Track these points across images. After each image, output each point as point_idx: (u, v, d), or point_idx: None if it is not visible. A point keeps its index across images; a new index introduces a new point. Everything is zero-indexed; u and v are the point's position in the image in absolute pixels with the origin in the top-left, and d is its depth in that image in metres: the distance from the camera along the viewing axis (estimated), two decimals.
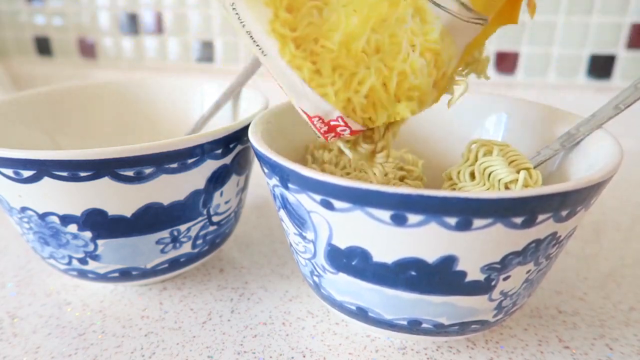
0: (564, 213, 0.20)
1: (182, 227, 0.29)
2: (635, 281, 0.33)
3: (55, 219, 0.26)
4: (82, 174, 0.24)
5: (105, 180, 0.25)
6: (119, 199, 0.26)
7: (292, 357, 0.26)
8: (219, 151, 0.28)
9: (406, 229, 0.20)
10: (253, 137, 0.25)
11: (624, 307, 0.30)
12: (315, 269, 0.25)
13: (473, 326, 0.24)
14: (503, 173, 0.25)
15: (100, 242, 0.27)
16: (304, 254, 0.25)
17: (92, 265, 0.29)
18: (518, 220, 0.19)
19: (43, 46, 0.78)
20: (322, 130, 0.23)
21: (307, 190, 0.21)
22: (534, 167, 0.27)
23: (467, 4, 0.20)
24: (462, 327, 0.24)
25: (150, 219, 0.27)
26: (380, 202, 0.19)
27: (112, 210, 0.26)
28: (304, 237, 0.24)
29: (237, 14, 0.21)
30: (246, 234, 0.39)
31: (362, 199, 0.19)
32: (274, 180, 0.23)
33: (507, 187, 0.26)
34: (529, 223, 0.19)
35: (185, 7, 0.68)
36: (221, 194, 0.30)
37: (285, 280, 0.33)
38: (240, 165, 0.31)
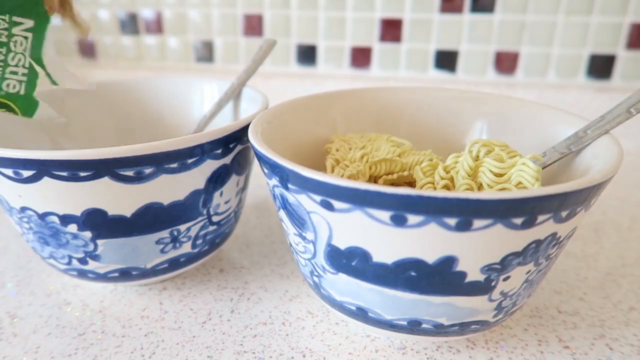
0: (563, 214, 0.20)
1: (182, 227, 0.29)
2: (636, 281, 0.33)
3: (55, 219, 0.26)
4: (82, 174, 0.24)
5: (105, 180, 0.25)
6: (119, 199, 0.26)
7: (292, 357, 0.26)
8: (219, 151, 0.28)
9: (406, 230, 0.20)
10: (253, 137, 0.25)
11: (624, 307, 0.30)
12: (315, 269, 0.25)
13: (473, 326, 0.24)
14: (529, 183, 0.25)
15: (100, 242, 0.27)
16: (303, 254, 0.25)
17: (92, 265, 0.29)
18: (518, 220, 0.19)
19: None
20: None
21: (306, 191, 0.21)
22: (542, 169, 0.26)
23: None
24: (462, 328, 0.24)
25: (150, 219, 0.27)
26: (380, 203, 0.19)
27: (112, 210, 0.26)
28: (303, 238, 0.24)
29: None
30: (246, 234, 0.39)
31: (362, 199, 0.19)
32: (274, 181, 0.23)
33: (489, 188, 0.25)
34: (529, 224, 0.19)
35: (185, 7, 0.68)
36: (221, 194, 0.30)
37: (285, 280, 0.33)
38: (240, 165, 0.31)
